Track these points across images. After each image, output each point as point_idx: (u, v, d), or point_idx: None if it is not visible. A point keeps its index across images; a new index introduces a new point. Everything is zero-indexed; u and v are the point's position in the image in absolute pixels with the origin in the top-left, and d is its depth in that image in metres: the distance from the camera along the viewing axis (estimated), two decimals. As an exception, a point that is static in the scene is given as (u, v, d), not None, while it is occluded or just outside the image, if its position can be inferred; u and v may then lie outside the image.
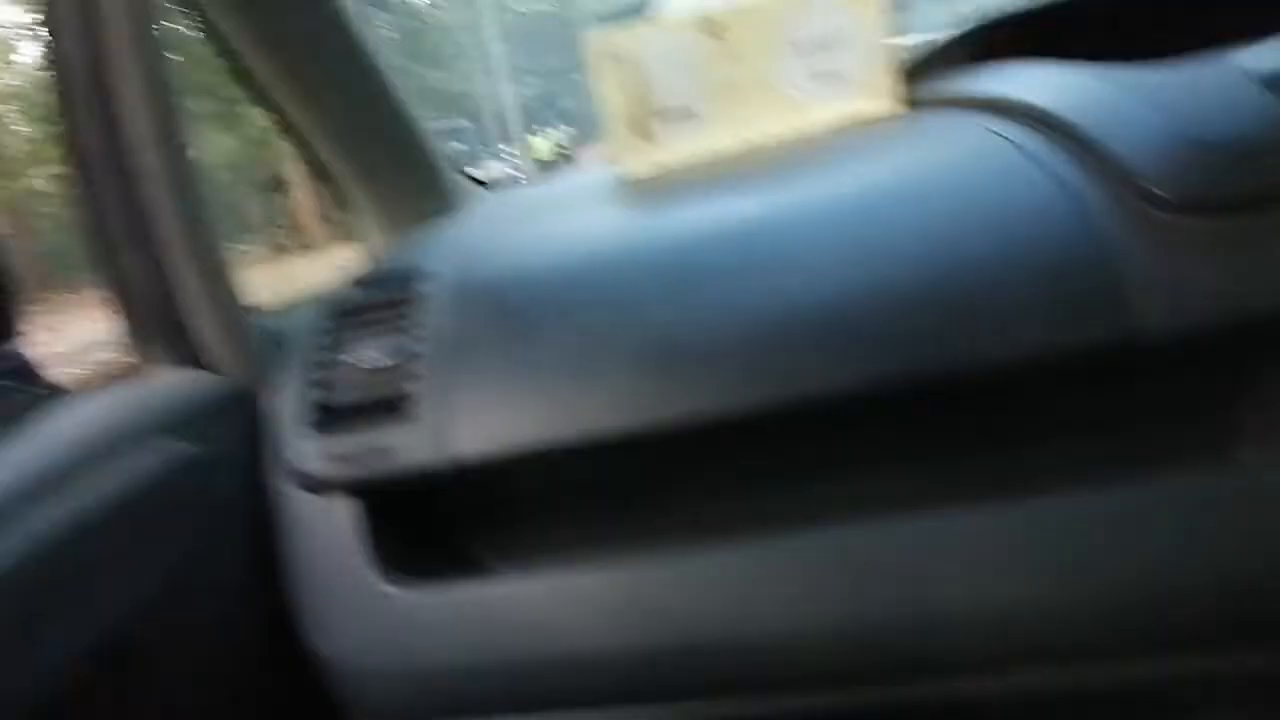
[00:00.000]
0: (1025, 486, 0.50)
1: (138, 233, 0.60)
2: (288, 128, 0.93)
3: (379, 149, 0.98)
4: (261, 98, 0.89)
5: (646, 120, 0.84)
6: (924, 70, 0.82)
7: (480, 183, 1.14)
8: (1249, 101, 0.50)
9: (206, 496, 0.55)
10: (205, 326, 0.62)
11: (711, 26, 0.81)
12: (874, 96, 0.82)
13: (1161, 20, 0.69)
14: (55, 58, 0.59)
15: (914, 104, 0.80)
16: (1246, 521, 0.47)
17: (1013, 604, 0.49)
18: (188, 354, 0.63)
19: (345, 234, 1.05)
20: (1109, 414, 0.57)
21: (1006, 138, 0.58)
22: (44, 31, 0.60)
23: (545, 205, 0.83)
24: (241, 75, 0.87)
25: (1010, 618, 0.49)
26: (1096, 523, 0.48)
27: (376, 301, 0.64)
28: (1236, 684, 0.51)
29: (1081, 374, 0.54)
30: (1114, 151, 0.51)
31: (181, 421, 0.56)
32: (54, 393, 0.61)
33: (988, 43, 0.78)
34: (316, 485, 0.58)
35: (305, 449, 0.58)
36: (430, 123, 1.03)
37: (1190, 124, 0.50)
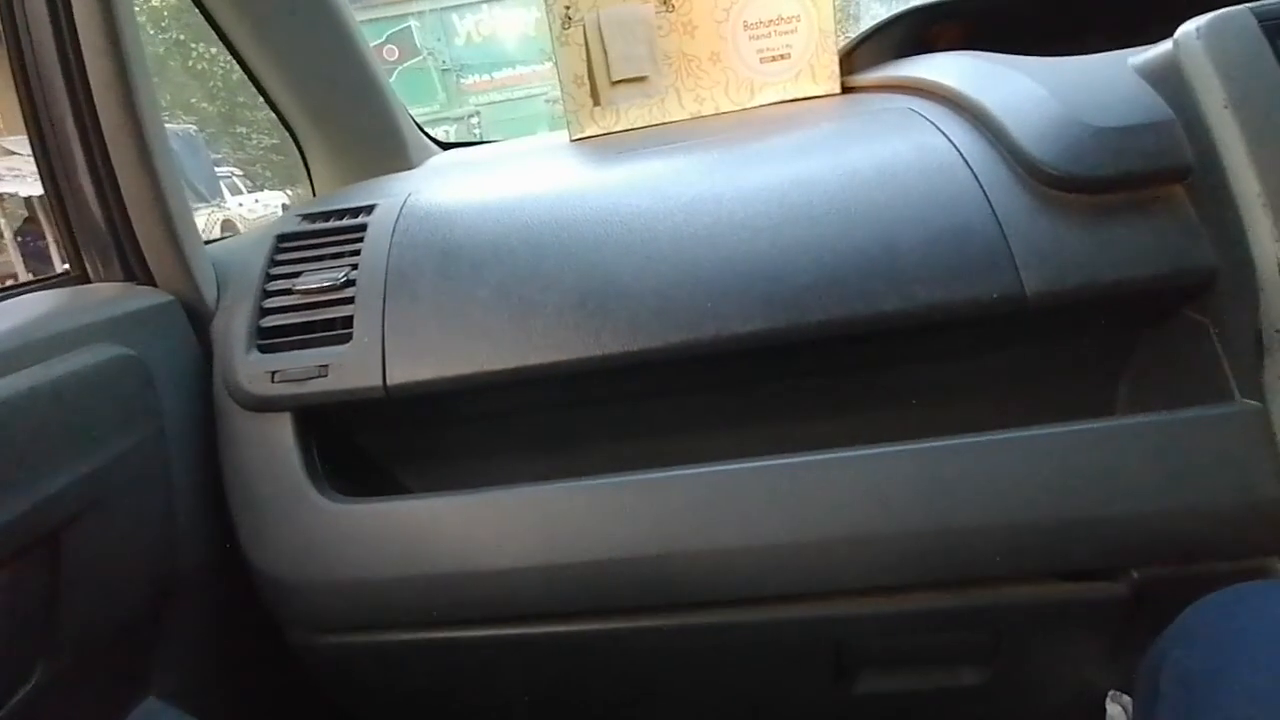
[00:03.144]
0: (924, 435, 0.55)
1: (91, 151, 0.62)
2: (253, 76, 0.94)
3: (340, 101, 0.99)
4: (230, 46, 0.91)
5: (601, 85, 0.88)
6: (861, 55, 0.87)
7: (441, 143, 1.16)
8: (1130, 93, 0.56)
9: (146, 402, 0.57)
10: (154, 245, 0.63)
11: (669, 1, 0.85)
12: (817, 79, 0.86)
13: (1067, 15, 0.75)
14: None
15: (850, 86, 0.85)
16: (1116, 467, 0.52)
17: (892, 533, 0.53)
18: (134, 270, 0.64)
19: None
20: (999, 373, 0.62)
21: (925, 116, 0.63)
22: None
23: (495, 159, 0.86)
24: (211, 22, 0.88)
25: (890, 545, 0.54)
26: (977, 464, 0.53)
27: (322, 231, 0.67)
28: (1088, 610, 0.56)
29: (973, 334, 0.59)
30: (1011, 131, 0.57)
31: (124, 328, 0.57)
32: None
33: (914, 28, 0.83)
34: (256, 402, 0.60)
35: (247, 367, 0.60)
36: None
37: (1079, 110, 0.55)
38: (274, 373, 0.59)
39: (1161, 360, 0.58)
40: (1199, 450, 0.51)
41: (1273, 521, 0.50)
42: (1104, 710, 0.58)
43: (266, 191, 6.28)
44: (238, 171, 6.39)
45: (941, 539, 0.53)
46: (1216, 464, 0.51)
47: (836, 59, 0.86)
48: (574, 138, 0.89)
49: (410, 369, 0.58)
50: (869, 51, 0.88)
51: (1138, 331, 0.59)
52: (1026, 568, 0.54)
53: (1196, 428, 0.51)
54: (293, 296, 0.62)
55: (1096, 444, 0.52)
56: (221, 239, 0.84)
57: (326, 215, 0.69)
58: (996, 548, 0.52)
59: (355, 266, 0.62)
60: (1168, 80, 0.54)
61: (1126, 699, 0.57)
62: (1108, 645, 0.58)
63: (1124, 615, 0.55)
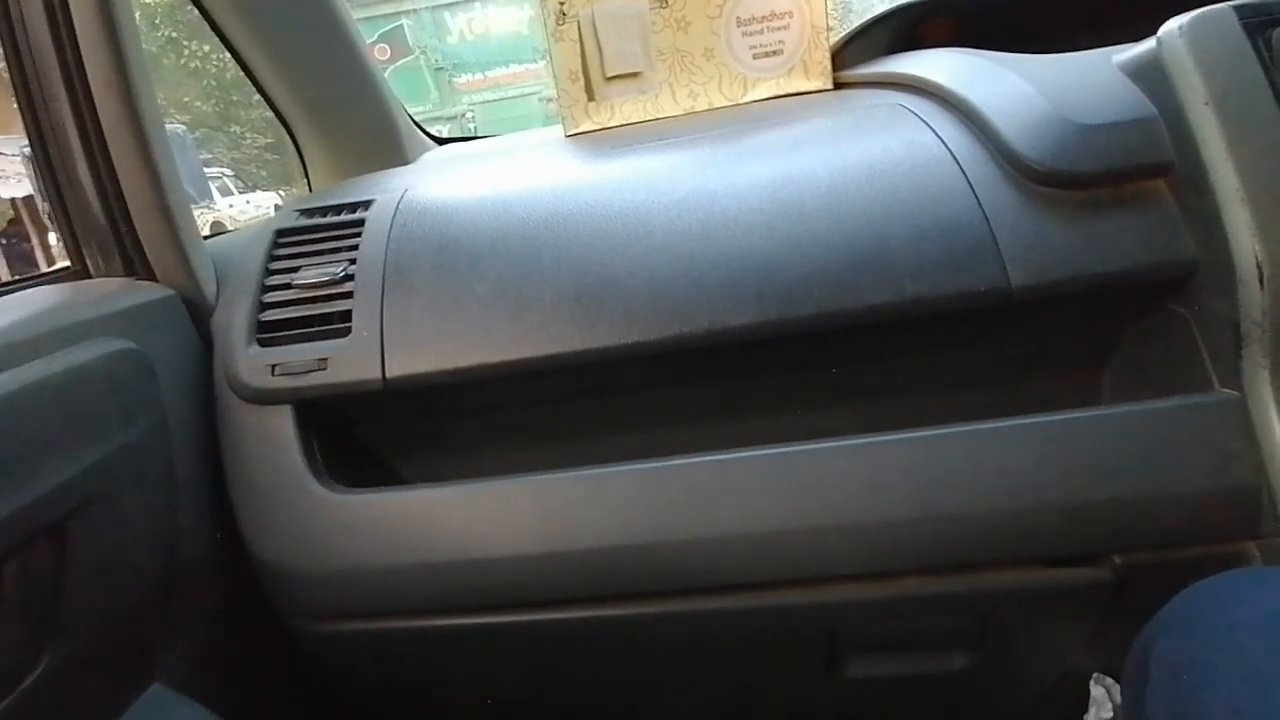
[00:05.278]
0: (913, 425, 0.56)
1: (90, 148, 0.62)
2: (250, 72, 0.95)
3: (336, 96, 1.00)
4: (226, 42, 0.91)
5: (595, 81, 0.88)
6: (852, 51, 0.88)
7: (436, 138, 1.16)
8: (1114, 90, 0.57)
9: (148, 395, 0.57)
10: (153, 240, 0.64)
11: (662, -2, 0.86)
12: (809, 75, 0.88)
13: (1054, 12, 0.76)
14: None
15: (842, 82, 0.86)
16: (1099, 455, 0.53)
17: (882, 520, 0.54)
18: (135, 265, 0.65)
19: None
20: (986, 364, 0.64)
21: (914, 112, 0.64)
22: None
23: (490, 154, 0.87)
24: (208, 18, 0.89)
25: (880, 532, 0.55)
26: (964, 453, 0.54)
27: (322, 226, 0.67)
28: (1060, 596, 0.58)
29: (961, 327, 0.60)
30: (998, 127, 0.58)
31: (125, 322, 0.58)
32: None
33: (906, 24, 0.85)
34: (256, 395, 0.61)
35: (247, 361, 0.61)
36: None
37: (1064, 107, 0.56)
38: (274, 366, 0.60)
39: (1143, 351, 0.60)
40: (1179, 438, 0.52)
41: (1250, 507, 0.51)
42: (1088, 693, 0.59)
43: (259, 192, 6.24)
44: (228, 172, 6.35)
45: (930, 526, 0.54)
46: (1196, 452, 0.52)
47: (829, 55, 0.87)
48: (569, 133, 0.90)
49: (408, 362, 0.58)
50: (861, 47, 0.89)
51: (1120, 323, 0.61)
52: (1012, 554, 0.55)
53: (1177, 416, 0.53)
54: (292, 291, 0.63)
55: (1080, 433, 0.53)
56: (215, 235, 0.85)
57: (324, 210, 0.70)
58: (983, 534, 0.54)
59: (354, 261, 0.63)
60: (1151, 77, 0.55)
61: (1110, 681, 0.59)
62: (1092, 630, 0.59)
63: (1107, 600, 0.56)
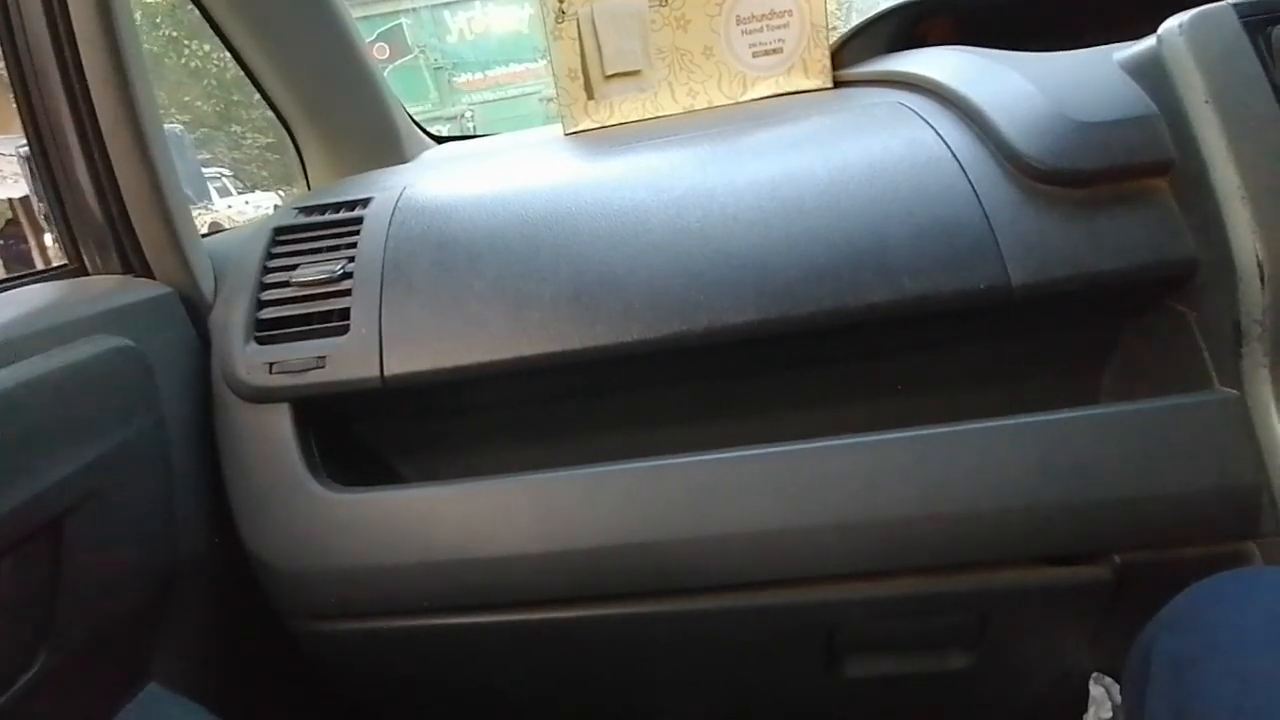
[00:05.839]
0: (913, 423, 0.56)
1: (89, 145, 0.62)
2: (249, 71, 0.95)
3: (335, 95, 0.99)
4: (226, 41, 0.91)
5: (595, 79, 0.88)
6: (852, 49, 0.88)
7: (435, 136, 1.16)
8: (1115, 88, 0.57)
9: (145, 393, 0.57)
10: (151, 237, 0.64)
11: (661, -4, 0.86)
12: (809, 73, 0.87)
13: (1055, 10, 0.76)
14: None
15: (842, 80, 0.86)
16: (1099, 453, 0.53)
17: (881, 519, 0.54)
18: (132, 262, 0.65)
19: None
20: (986, 363, 0.64)
21: (914, 111, 0.64)
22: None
23: (489, 152, 0.86)
24: (207, 17, 0.88)
25: (879, 531, 0.55)
26: (964, 452, 0.54)
27: (320, 224, 0.67)
28: (1059, 595, 0.58)
29: (961, 325, 0.60)
30: (999, 126, 0.58)
31: (122, 320, 0.58)
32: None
33: (906, 23, 0.85)
34: (254, 393, 0.61)
35: (245, 359, 0.61)
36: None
37: (1064, 105, 0.56)
38: (272, 364, 0.60)
39: (1144, 349, 0.59)
40: (1179, 437, 0.52)
41: (1250, 506, 0.51)
42: (1087, 692, 0.59)
43: (258, 193, 6.20)
44: (227, 172, 6.33)
45: (929, 524, 0.54)
46: (1196, 450, 0.52)
47: (828, 53, 0.87)
48: (568, 131, 0.90)
49: (407, 360, 0.58)
50: (861, 46, 0.89)
51: (1121, 321, 0.61)
52: (1012, 552, 0.55)
53: (1177, 415, 0.53)
54: (290, 289, 0.63)
55: (1080, 431, 0.53)
56: (213, 233, 0.85)
57: (323, 209, 0.70)
58: (983, 533, 0.54)
59: (352, 259, 0.63)
60: (1151, 75, 0.55)
61: (1110, 681, 0.59)
62: (1091, 629, 0.59)
63: (1107, 599, 0.56)
